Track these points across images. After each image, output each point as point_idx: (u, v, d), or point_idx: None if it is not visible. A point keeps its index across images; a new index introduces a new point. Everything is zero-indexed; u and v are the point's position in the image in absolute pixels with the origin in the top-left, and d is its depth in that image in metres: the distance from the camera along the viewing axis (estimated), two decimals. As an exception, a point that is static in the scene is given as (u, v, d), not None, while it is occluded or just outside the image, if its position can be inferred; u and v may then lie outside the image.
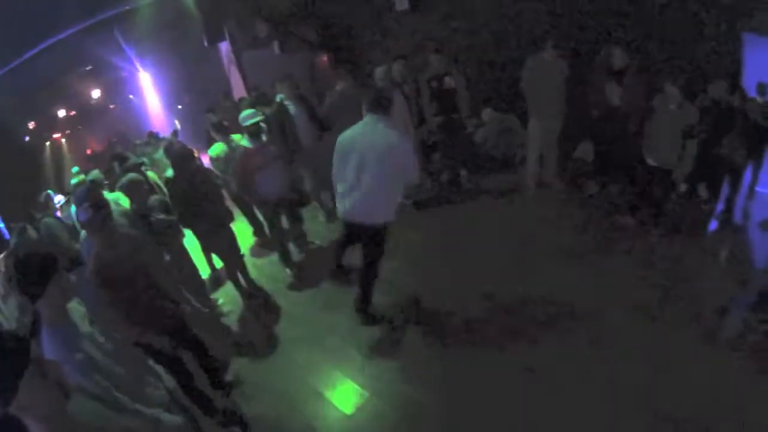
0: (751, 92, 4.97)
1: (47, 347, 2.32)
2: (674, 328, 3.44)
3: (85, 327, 2.53)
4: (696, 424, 2.67)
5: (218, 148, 4.88)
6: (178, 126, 7.55)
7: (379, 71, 4.59)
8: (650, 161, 4.58)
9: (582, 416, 2.82)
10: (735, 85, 4.80)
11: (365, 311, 3.84)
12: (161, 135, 6.99)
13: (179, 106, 7.93)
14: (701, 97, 4.82)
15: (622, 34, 5.33)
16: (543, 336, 3.48)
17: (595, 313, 3.63)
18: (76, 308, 2.55)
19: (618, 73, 4.69)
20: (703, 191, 5.18)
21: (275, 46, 6.61)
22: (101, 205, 2.66)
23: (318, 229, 5.20)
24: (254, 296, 4.50)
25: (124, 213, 4.36)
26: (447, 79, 5.13)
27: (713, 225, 5.01)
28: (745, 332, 3.39)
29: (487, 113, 6.04)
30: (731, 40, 5.25)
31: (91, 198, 2.69)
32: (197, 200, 4.12)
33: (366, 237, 3.59)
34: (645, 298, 3.74)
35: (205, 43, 7.24)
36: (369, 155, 3.27)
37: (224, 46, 7.45)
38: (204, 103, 6.62)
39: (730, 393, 2.83)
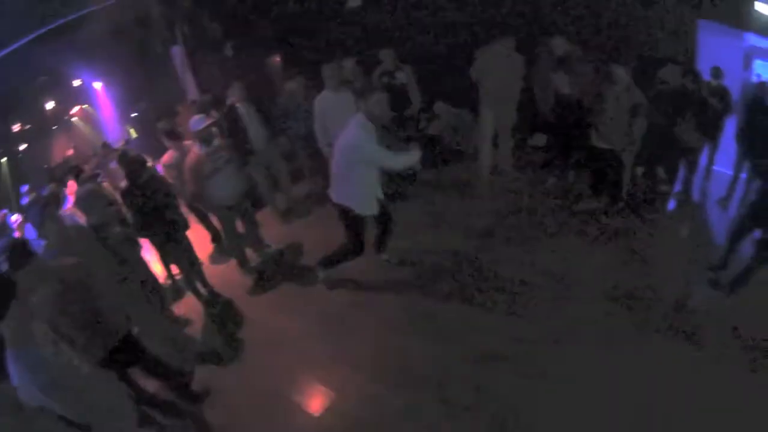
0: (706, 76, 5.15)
1: (12, 370, 2.29)
2: (638, 307, 3.57)
3: (48, 347, 2.49)
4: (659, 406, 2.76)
5: (170, 155, 4.83)
6: (134, 134, 7.42)
7: (326, 68, 4.58)
8: (600, 144, 4.67)
9: (544, 401, 2.91)
10: (689, 69, 4.93)
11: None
12: (115, 145, 6.91)
13: (134, 114, 7.77)
14: (656, 81, 4.96)
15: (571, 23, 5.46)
16: (509, 323, 3.57)
17: (561, 297, 3.75)
18: (40, 329, 2.51)
19: (562, 61, 4.78)
20: (660, 173, 5.32)
21: (228, 48, 6.57)
22: (18, 255, 2.64)
23: (274, 232, 5.17)
24: (215, 304, 4.47)
25: (78, 229, 4.30)
26: (398, 75, 5.16)
27: (672, 205, 5.15)
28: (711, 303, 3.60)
29: (439, 106, 6.08)
30: (685, 26, 5.40)
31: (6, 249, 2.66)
32: (152, 209, 4.09)
33: (341, 218, 3.92)
34: (609, 279, 3.88)
35: (158, 48, 7.15)
36: (339, 144, 3.69)
37: (177, 50, 7.36)
38: (160, 109, 6.56)
39: (696, 376, 2.96)
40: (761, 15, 5.27)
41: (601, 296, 3.72)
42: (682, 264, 4.11)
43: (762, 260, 3.61)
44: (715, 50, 5.60)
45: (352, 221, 3.86)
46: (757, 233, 3.66)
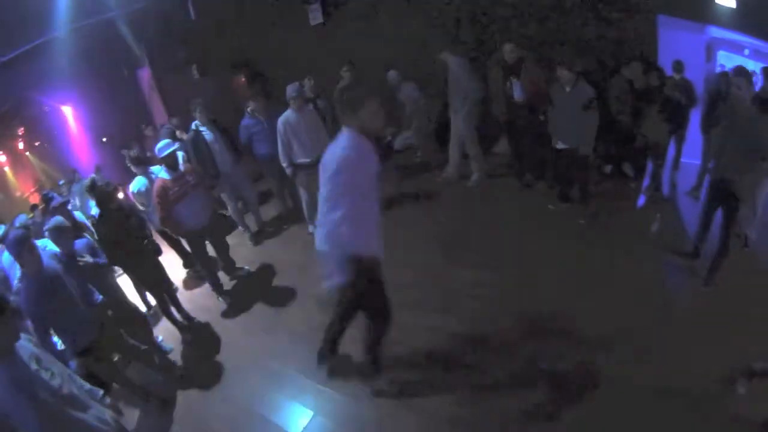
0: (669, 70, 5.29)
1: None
2: (617, 304, 3.69)
3: (32, 365, 2.57)
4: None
5: (139, 182, 4.89)
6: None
7: (289, 88, 4.68)
8: (558, 145, 4.82)
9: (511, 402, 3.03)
10: (651, 65, 5.06)
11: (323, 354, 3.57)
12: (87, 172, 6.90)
13: (104, 139, 7.76)
14: (616, 79, 5.08)
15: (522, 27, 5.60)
16: (484, 333, 3.66)
17: (541, 299, 3.88)
18: (24, 347, 2.58)
19: (514, 67, 4.91)
20: (628, 169, 5.44)
21: (194, 70, 6.64)
22: None
23: (245, 254, 5.24)
24: (191, 329, 4.52)
25: (54, 256, 4.35)
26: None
27: (641, 200, 5.28)
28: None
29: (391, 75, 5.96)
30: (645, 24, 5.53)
31: None
32: (123, 237, 4.15)
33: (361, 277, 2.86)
34: (584, 278, 4.01)
35: (125, 72, 7.19)
36: (324, 171, 2.69)
37: (144, 73, 7.39)
38: (128, 134, 6.61)
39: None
40: (721, 7, 5.41)
41: (572, 295, 3.86)
42: (654, 258, 4.26)
43: (727, 240, 3.75)
44: (677, 44, 5.75)
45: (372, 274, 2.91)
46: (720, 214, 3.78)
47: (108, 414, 2.89)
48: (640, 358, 3.15)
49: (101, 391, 2.97)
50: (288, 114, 4.80)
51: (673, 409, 2.79)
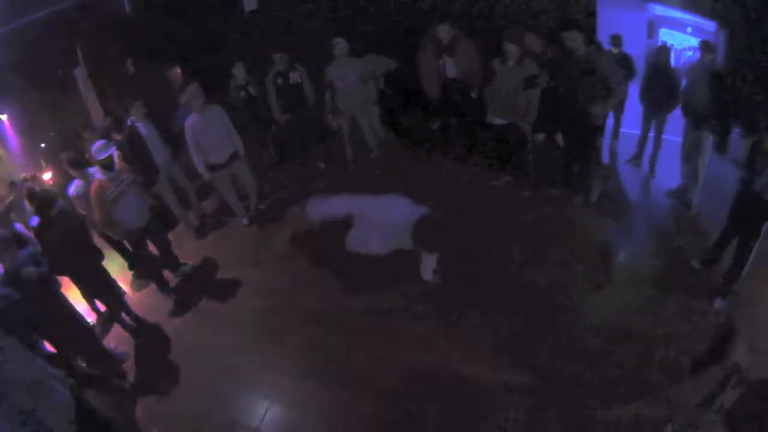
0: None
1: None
2: (562, 268, 4.01)
3: None
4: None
5: (77, 185, 4.78)
6: (45, 166, 7.20)
7: (187, 92, 4.71)
8: (497, 120, 4.90)
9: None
10: (591, 39, 5.18)
11: None
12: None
13: (42, 145, 7.51)
14: (552, 49, 5.18)
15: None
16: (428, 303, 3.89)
17: (489, 268, 4.16)
18: None
19: (448, 45, 4.99)
20: (559, 139, 5.59)
21: (129, 64, 6.49)
22: None
23: (189, 248, 5.21)
24: (142, 332, 4.48)
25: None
26: (292, 74, 5.29)
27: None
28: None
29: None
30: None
31: None
32: (65, 245, 4.07)
33: None
34: (531, 249, 4.29)
35: (59, 72, 6.96)
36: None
37: (79, 72, 7.16)
38: (66, 137, 6.42)
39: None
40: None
41: (517, 263, 4.18)
42: (595, 224, 4.60)
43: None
44: (618, 22, 5.91)
45: None
46: None
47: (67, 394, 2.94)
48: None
49: (62, 373, 3.02)
50: (191, 118, 4.78)
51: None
